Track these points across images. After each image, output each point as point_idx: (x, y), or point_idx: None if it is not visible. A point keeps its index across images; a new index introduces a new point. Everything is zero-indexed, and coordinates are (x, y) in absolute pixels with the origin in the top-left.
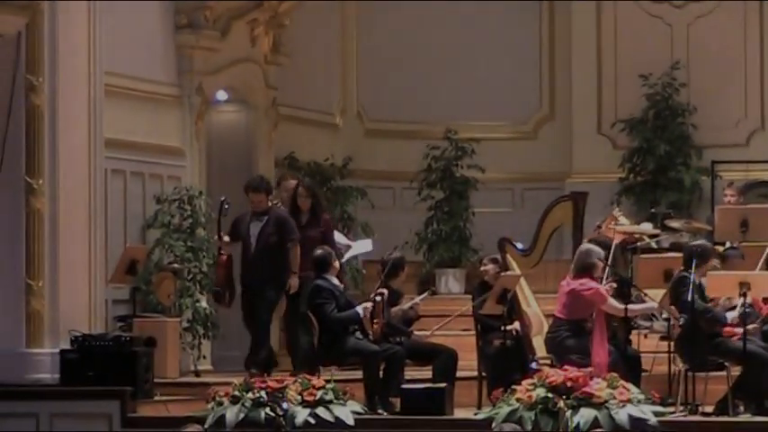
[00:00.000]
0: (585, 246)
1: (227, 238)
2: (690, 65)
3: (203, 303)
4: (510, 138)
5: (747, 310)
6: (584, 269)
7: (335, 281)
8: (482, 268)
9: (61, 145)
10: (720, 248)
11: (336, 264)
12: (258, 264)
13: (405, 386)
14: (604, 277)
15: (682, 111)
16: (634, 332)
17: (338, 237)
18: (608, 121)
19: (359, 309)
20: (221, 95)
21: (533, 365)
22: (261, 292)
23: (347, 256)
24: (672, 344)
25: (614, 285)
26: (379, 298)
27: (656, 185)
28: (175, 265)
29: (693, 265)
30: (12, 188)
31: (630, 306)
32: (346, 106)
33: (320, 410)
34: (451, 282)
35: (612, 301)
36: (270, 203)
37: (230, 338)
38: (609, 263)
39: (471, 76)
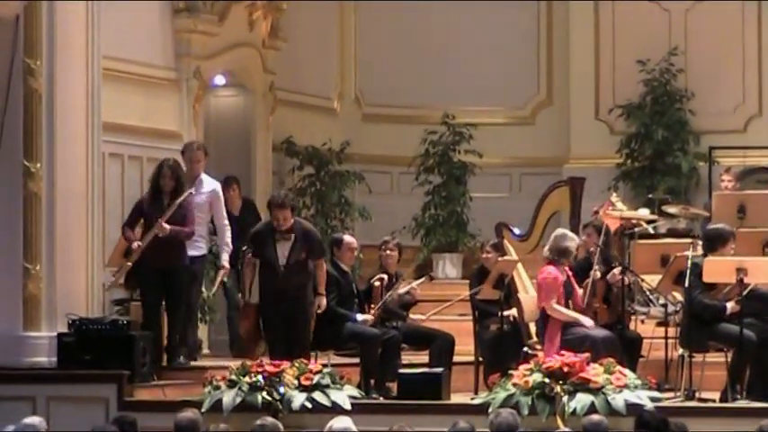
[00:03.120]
0: (561, 230)
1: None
2: (688, 50)
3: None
4: (507, 123)
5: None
6: (560, 254)
7: (345, 267)
8: (484, 255)
9: (59, 128)
10: None
11: (354, 247)
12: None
13: (402, 371)
14: (595, 261)
15: (679, 96)
16: (631, 318)
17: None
18: (606, 106)
19: (358, 317)
20: (219, 80)
21: (525, 350)
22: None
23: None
24: (667, 330)
25: (602, 269)
26: (378, 283)
27: (653, 171)
28: None
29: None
30: (9, 172)
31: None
32: (344, 91)
33: (317, 395)
34: (448, 267)
35: (551, 303)
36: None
37: (226, 323)
38: (601, 246)
39: (469, 60)
